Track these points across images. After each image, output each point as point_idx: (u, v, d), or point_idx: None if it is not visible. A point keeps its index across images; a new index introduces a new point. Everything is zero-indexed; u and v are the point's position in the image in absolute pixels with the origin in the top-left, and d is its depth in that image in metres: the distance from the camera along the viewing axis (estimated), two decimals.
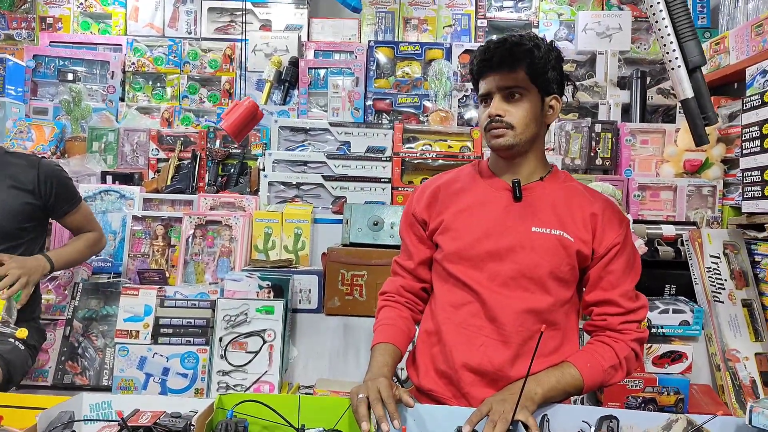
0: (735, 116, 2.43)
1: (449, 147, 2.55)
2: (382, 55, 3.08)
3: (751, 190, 2.20)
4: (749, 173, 2.21)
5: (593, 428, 1.14)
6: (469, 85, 2.88)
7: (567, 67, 2.91)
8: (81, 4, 3.39)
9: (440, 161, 2.50)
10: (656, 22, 1.17)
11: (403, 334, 1.32)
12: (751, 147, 2.20)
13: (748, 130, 2.22)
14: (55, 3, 3.42)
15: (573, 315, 1.32)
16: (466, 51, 2.98)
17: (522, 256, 1.23)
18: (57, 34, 3.33)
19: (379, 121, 2.94)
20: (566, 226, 1.24)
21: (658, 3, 1.15)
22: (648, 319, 2.02)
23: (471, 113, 2.90)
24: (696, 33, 1.16)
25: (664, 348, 1.95)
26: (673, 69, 1.18)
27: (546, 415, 1.18)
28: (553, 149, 2.60)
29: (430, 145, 2.56)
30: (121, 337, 1.89)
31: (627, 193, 2.49)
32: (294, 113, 2.91)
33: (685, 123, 2.59)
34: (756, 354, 2.02)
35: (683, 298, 2.16)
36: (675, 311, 2.06)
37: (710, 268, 2.16)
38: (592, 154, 2.58)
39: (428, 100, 2.87)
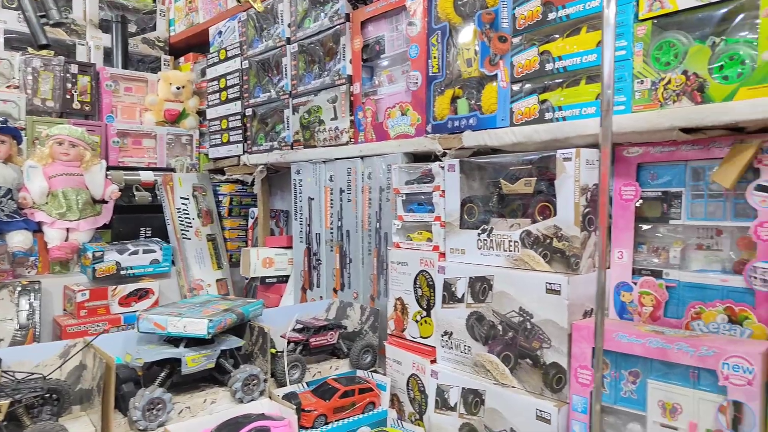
0: (206, 72, 2.66)
1: None
2: None
3: (214, 138, 2.47)
4: (213, 123, 2.47)
5: None
6: None
7: None
8: None
9: None
10: None
11: None
12: (214, 99, 2.46)
13: (211, 84, 2.47)
14: None
15: None
16: None
17: None
18: None
19: None
20: None
21: None
22: (117, 262, 2.03)
23: None
24: None
25: (131, 287, 2.00)
26: None
27: None
28: (18, 87, 2.29)
29: None
30: None
31: (106, 140, 2.43)
32: None
33: (164, 74, 2.69)
34: (216, 280, 2.31)
35: (157, 239, 2.27)
36: (146, 251, 2.13)
37: (180, 209, 2.33)
38: (68, 97, 2.41)
39: None
